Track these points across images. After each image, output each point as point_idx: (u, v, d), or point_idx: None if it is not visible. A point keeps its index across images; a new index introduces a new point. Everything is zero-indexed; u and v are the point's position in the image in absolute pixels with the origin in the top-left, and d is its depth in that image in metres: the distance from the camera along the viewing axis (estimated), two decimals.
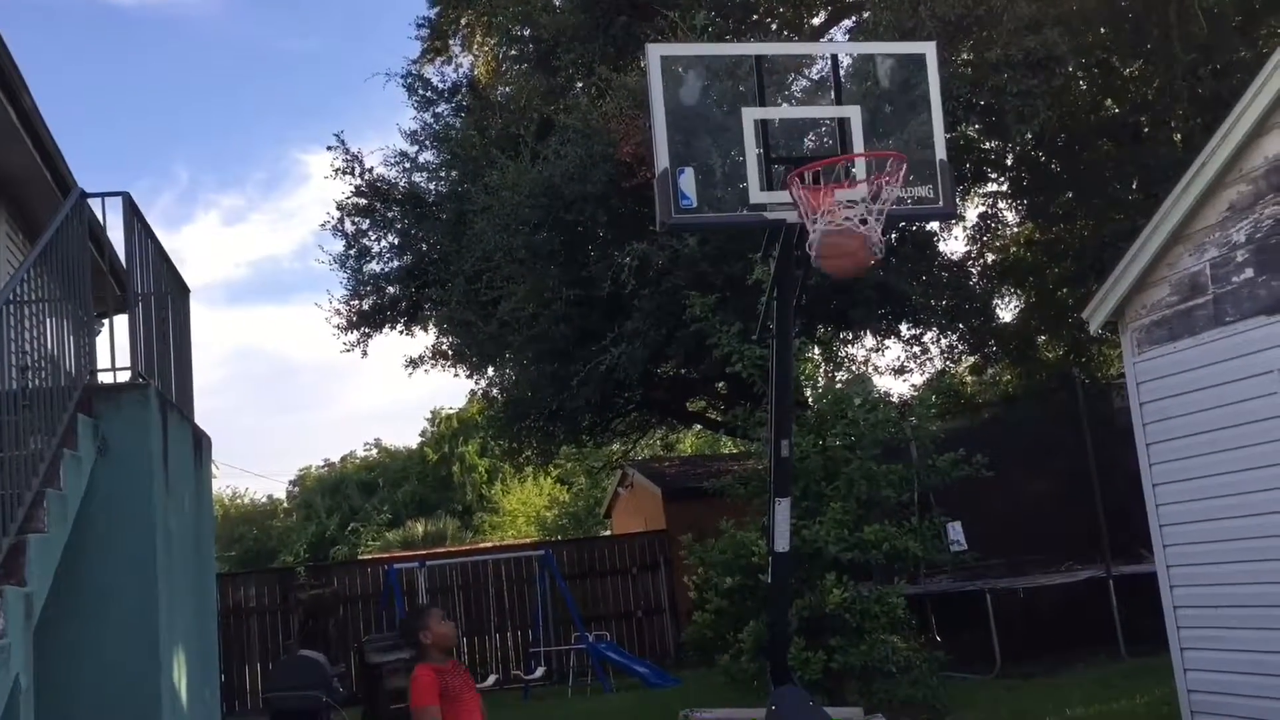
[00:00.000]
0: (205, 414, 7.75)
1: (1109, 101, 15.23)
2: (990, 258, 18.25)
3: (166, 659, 5.20)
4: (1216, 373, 7.06)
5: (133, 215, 5.95)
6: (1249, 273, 6.87)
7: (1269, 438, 6.69)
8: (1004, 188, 17.40)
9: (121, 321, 6.47)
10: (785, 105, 7.23)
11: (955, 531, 12.31)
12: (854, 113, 6.12)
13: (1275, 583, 6.71)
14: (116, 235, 6.32)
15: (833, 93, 6.29)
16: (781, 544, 6.35)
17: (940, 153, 6.19)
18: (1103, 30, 14.15)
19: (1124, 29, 13.85)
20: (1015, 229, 18.35)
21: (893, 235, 13.55)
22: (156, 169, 68.16)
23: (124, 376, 5.74)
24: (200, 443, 6.96)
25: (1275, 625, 6.74)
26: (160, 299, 6.45)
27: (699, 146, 6.15)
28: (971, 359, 19.12)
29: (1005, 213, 17.97)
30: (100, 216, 6.13)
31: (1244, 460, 6.88)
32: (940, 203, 6.26)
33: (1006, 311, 18.82)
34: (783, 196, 5.87)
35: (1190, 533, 7.41)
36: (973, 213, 17.40)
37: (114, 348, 6.02)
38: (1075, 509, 13.04)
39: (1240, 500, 6.94)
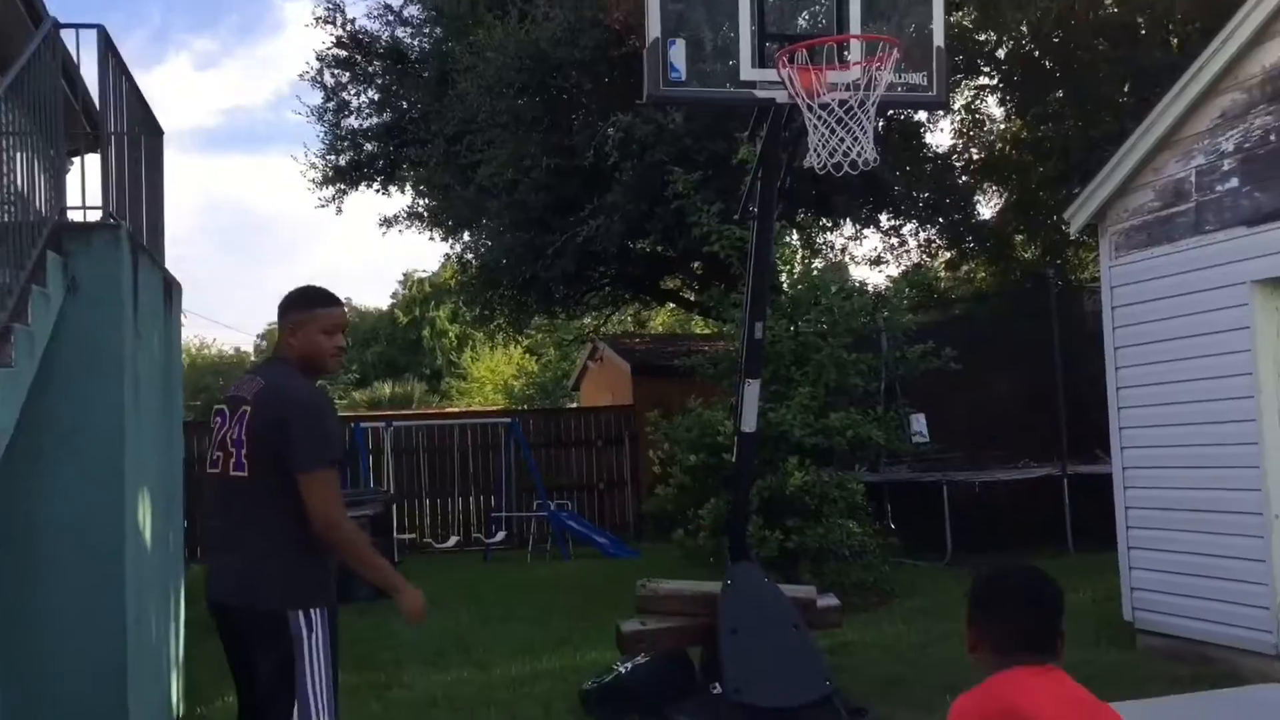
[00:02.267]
0: (175, 262, 7.66)
1: (1108, 0, 14.95)
2: (975, 153, 18.12)
3: (131, 502, 5.23)
4: (1191, 280, 7.10)
5: (107, 50, 5.77)
6: (1234, 182, 6.85)
7: (1236, 348, 6.77)
8: (995, 82, 17.18)
9: (93, 161, 6.34)
10: None
11: (919, 423, 12.49)
12: None
13: (1228, 489, 6.87)
14: (89, 72, 6.16)
15: None
16: (748, 425, 6.40)
17: (938, 39, 6.06)
18: None
19: None
20: (1002, 126, 18.19)
21: (880, 123, 13.39)
22: (127, 7, 66.13)
23: (95, 217, 5.64)
24: (170, 289, 6.89)
25: (1222, 531, 6.92)
26: (133, 139, 6.31)
27: (691, 18, 6.00)
28: (948, 254, 19.15)
29: (993, 108, 17.81)
30: (74, 51, 5.95)
31: (1209, 369, 6.98)
32: (934, 92, 6.15)
33: (987, 209, 18.80)
34: (773, 75, 5.75)
35: (1149, 437, 7.54)
36: (959, 104, 17.20)
37: (85, 187, 5.90)
38: (1037, 408, 13.24)
39: (1201, 408, 7.05)
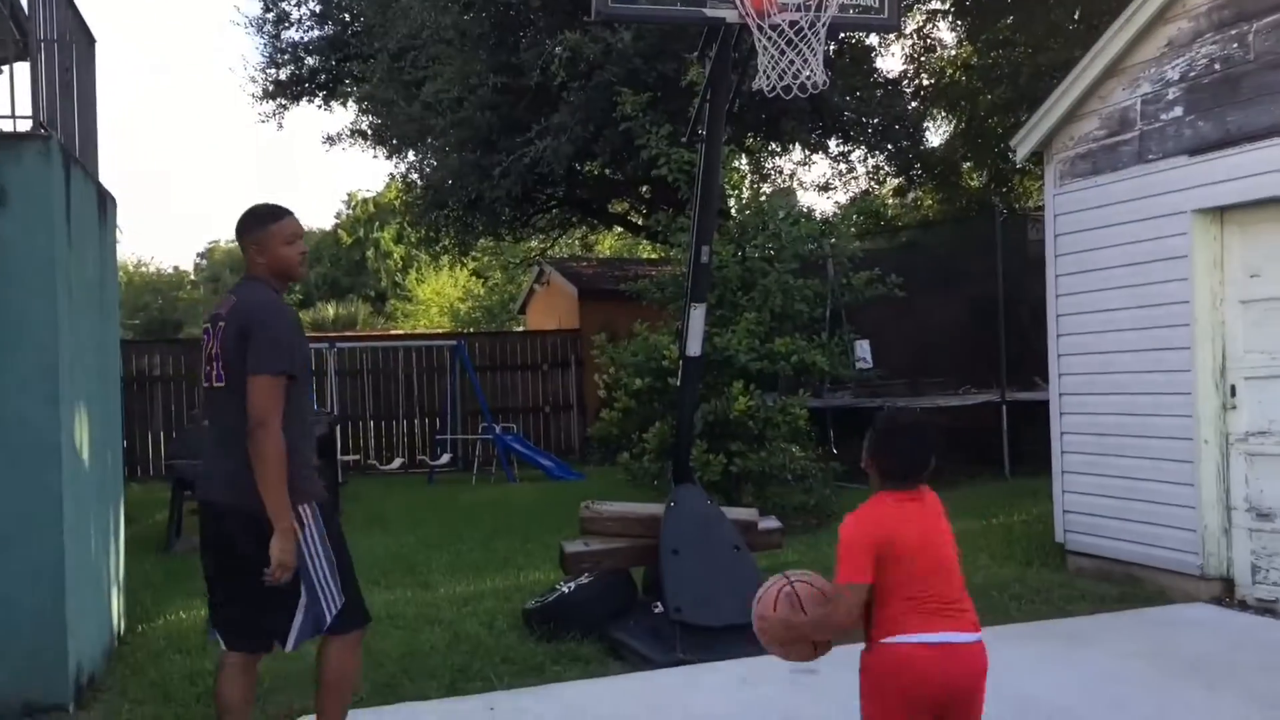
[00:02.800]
0: (110, 176, 7.45)
1: None
2: (925, 79, 18.10)
3: (67, 416, 5.15)
4: (1133, 209, 7.18)
5: None
6: (1178, 111, 6.90)
7: (1174, 276, 6.87)
8: (946, 6, 17.11)
9: (22, 70, 6.12)
10: None
11: (863, 350, 12.61)
12: None
13: (1160, 416, 7.02)
14: None
15: None
16: (693, 349, 6.41)
17: None
18: None
19: None
20: (953, 51, 18.16)
21: (831, 47, 13.29)
22: None
23: (25, 127, 5.46)
24: (105, 202, 6.72)
25: (1153, 456, 7.08)
26: (64, 47, 6.09)
27: None
28: (896, 181, 19.20)
29: (944, 34, 17.77)
30: None
31: (1148, 297, 7.08)
32: (885, 14, 6.10)
33: (935, 136, 18.83)
34: None
35: (1087, 364, 7.66)
36: (911, 28, 17.13)
37: (14, 97, 5.70)
38: (979, 336, 13.41)
39: (1139, 335, 7.17)
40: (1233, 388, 6.67)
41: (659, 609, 5.98)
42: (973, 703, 3.13)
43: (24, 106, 5.53)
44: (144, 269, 42.85)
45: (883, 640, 3.10)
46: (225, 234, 55.45)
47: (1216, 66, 6.65)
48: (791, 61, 5.51)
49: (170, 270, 44.17)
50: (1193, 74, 6.81)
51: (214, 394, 3.87)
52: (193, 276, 43.83)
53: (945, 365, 13.87)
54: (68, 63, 6.19)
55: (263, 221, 3.97)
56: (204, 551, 3.96)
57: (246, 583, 3.73)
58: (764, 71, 5.53)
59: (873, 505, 3.24)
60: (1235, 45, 6.53)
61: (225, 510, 3.82)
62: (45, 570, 5.00)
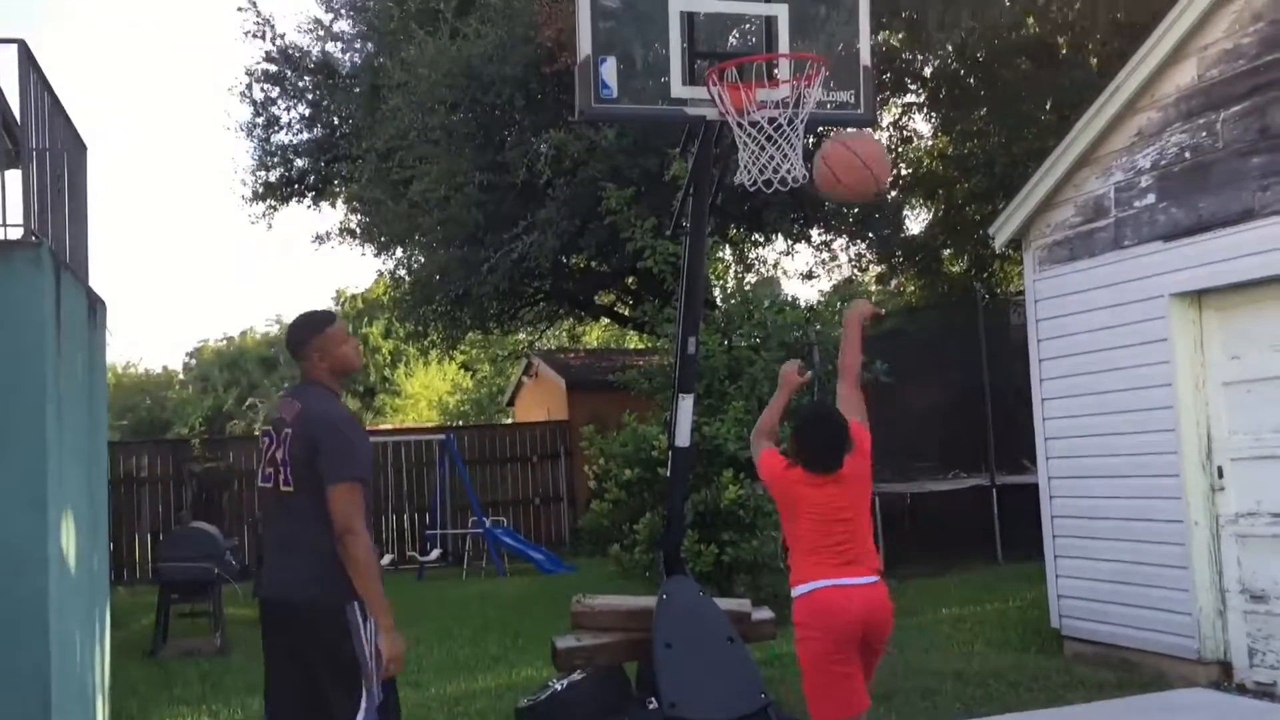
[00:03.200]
0: (100, 279, 7.51)
1: (1030, 20, 15.29)
2: (903, 169, 18.41)
3: (55, 523, 5.12)
4: (1113, 294, 7.28)
5: (28, 65, 5.67)
6: (1150, 198, 7.04)
7: (1156, 359, 6.94)
8: (921, 99, 17.47)
9: (14, 177, 6.20)
10: None
11: None
12: (781, 11, 6.05)
13: (1149, 498, 7.04)
14: (9, 85, 6.03)
15: None
16: (682, 439, 6.43)
17: (865, 58, 6.17)
18: None
19: None
20: (929, 142, 18.50)
21: (810, 140, 13.54)
22: (52, 10, 64.86)
23: (16, 235, 5.53)
24: (95, 306, 6.77)
25: (1145, 539, 7.08)
26: (56, 155, 6.19)
27: (623, 35, 6.04)
28: (878, 268, 19.39)
29: (920, 125, 18.11)
30: None
31: (1130, 380, 7.15)
32: (861, 109, 6.25)
33: (915, 223, 19.08)
34: (704, 92, 5.81)
35: (1074, 447, 7.70)
36: (887, 121, 17.47)
37: (5, 204, 5.78)
38: (966, 420, 13.45)
39: (1124, 418, 7.22)
40: (1220, 469, 6.70)
41: (653, 705, 5.91)
42: (884, 630, 4.12)
43: (16, 214, 5.61)
44: (132, 370, 42.82)
45: (799, 591, 4.10)
46: (214, 333, 55.59)
47: (1187, 155, 6.81)
48: (771, 157, 5.63)
49: (159, 370, 44.15)
50: (1164, 162, 6.97)
51: (282, 497, 4.01)
52: (181, 376, 43.76)
53: (934, 450, 13.88)
54: (59, 170, 6.28)
55: (319, 326, 4.17)
56: (267, 651, 4.08)
57: (308, 681, 3.89)
58: (745, 167, 5.65)
59: (788, 463, 4.27)
60: (1204, 134, 6.70)
61: (292, 608, 3.95)
62: (30, 678, 4.94)
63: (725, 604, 6.64)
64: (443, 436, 16.29)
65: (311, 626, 3.89)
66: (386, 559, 15.62)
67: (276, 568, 4.10)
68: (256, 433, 26.38)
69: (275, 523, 4.12)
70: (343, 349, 4.17)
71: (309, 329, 4.15)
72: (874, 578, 4.12)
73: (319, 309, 4.36)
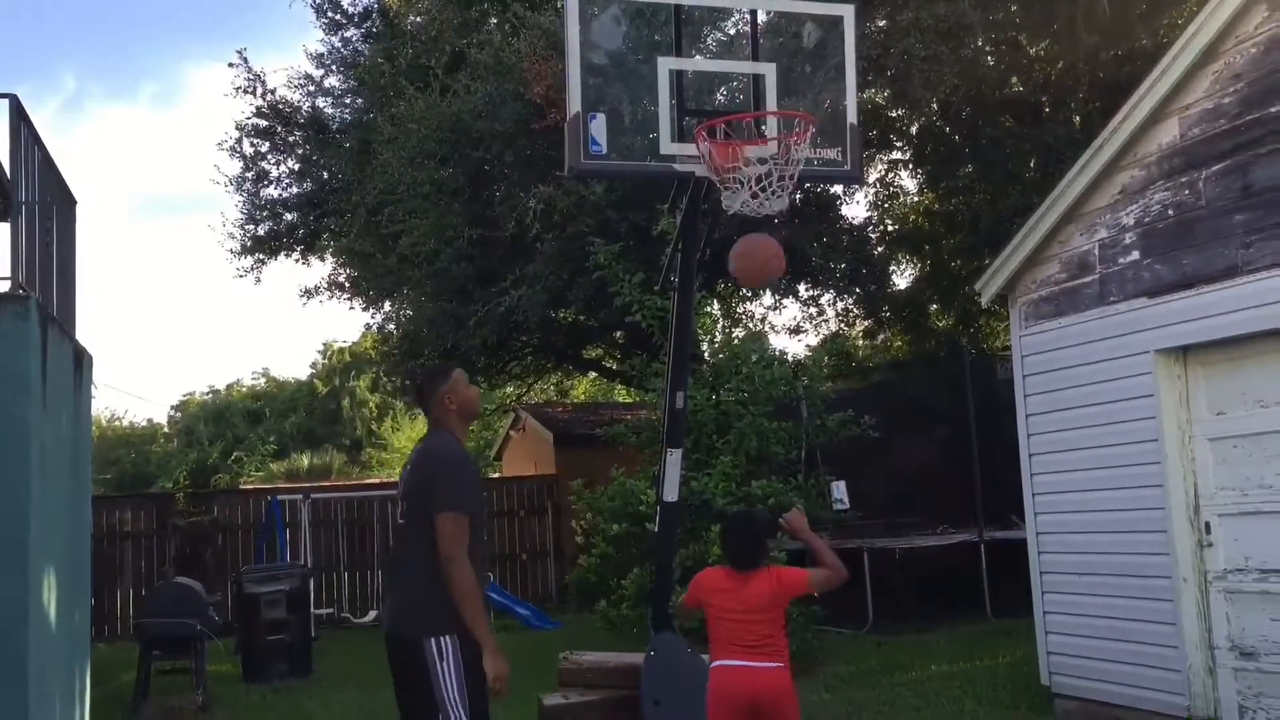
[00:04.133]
0: (86, 330, 7.49)
1: (1014, 79, 15.52)
2: (890, 225, 18.56)
3: (36, 580, 5.07)
4: (1098, 349, 7.32)
5: (19, 120, 5.69)
6: (1135, 255, 7.11)
7: (1142, 415, 6.96)
8: (907, 156, 17.66)
9: (3, 230, 6.21)
10: (700, 57, 7.22)
11: (839, 490, 12.59)
12: (769, 69, 6.14)
13: (1138, 554, 7.03)
14: (0, 139, 6.05)
15: (749, 48, 6.29)
16: (670, 494, 6.42)
17: (852, 116, 6.25)
18: (1014, 7, 14.40)
19: (1034, 7, 14.11)
20: (915, 198, 18.67)
21: (798, 196, 13.67)
22: (40, 75, 65.25)
23: (3, 288, 5.52)
24: (81, 360, 6.74)
25: (1134, 595, 7.06)
26: (45, 209, 6.21)
27: (612, 93, 6.11)
28: (865, 323, 19.48)
29: (906, 181, 18.28)
30: None
31: (1117, 436, 7.16)
32: (848, 166, 6.33)
33: (902, 279, 19.20)
34: (693, 149, 5.88)
35: (1061, 502, 7.69)
36: (874, 177, 17.64)
37: None
38: (953, 475, 13.44)
39: (1111, 474, 7.22)
40: (1207, 524, 6.70)
41: None
42: (780, 713, 4.66)
43: (4, 266, 5.61)
44: (117, 423, 42.57)
45: (711, 665, 4.83)
46: (200, 386, 55.35)
47: (1170, 212, 6.88)
48: (763, 203, 5.69)
49: (144, 423, 43.88)
50: (1147, 219, 7.04)
51: (398, 531, 4.49)
52: (166, 429, 43.49)
53: (922, 505, 13.86)
54: (48, 224, 6.29)
55: (446, 375, 4.58)
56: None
57: (406, 712, 4.28)
58: (728, 198, 5.70)
59: (709, 572, 5.07)
60: (1187, 192, 6.77)
61: (390, 639, 4.29)
62: None
63: None
64: None
65: (399, 657, 4.22)
66: (372, 614, 15.45)
67: (386, 600, 4.47)
68: (242, 487, 26.02)
69: (392, 556, 4.50)
70: (469, 392, 4.55)
71: (439, 379, 4.55)
72: (773, 663, 4.71)
73: (439, 363, 4.98)
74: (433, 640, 4.09)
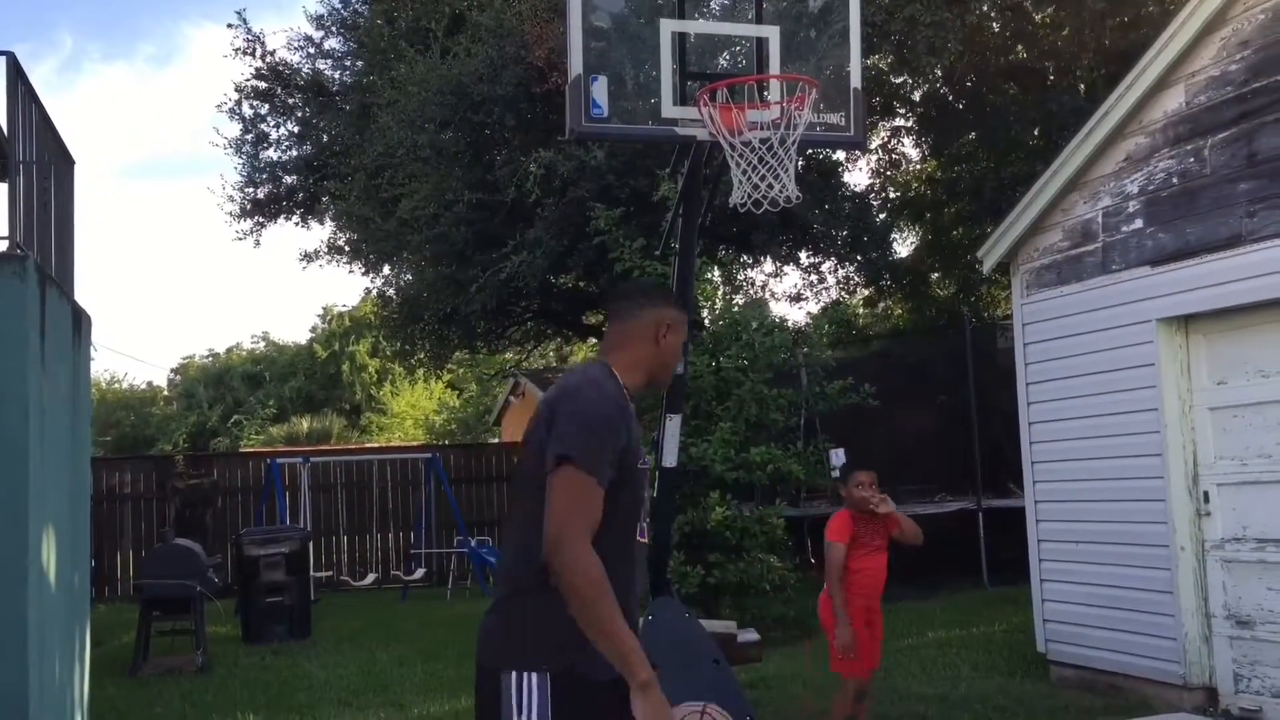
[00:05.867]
0: (85, 293, 7.46)
1: (1019, 46, 15.40)
2: (892, 193, 18.48)
3: (35, 540, 5.07)
4: (1099, 318, 7.30)
5: (16, 77, 5.64)
6: (1138, 223, 7.07)
7: (1142, 384, 6.96)
8: (910, 123, 17.56)
9: (0, 190, 6.17)
10: (703, 20, 7.14)
11: (838, 458, 12.57)
12: (773, 33, 6.07)
13: (1135, 522, 7.04)
14: None
15: (753, 11, 6.23)
16: (669, 460, 6.41)
17: (855, 80, 6.18)
18: None
19: None
20: (918, 166, 18.58)
21: (800, 162, 13.58)
22: (39, 34, 64.82)
23: (1, 247, 5.49)
24: (80, 321, 6.72)
25: (1131, 563, 7.08)
26: (43, 168, 6.17)
27: (614, 55, 6.05)
28: (866, 291, 19.44)
29: (909, 149, 18.19)
30: None
31: (1117, 404, 7.16)
32: (851, 132, 6.26)
33: (903, 247, 19.14)
34: (694, 113, 5.82)
35: (1060, 471, 7.70)
36: (876, 144, 17.55)
37: None
38: (953, 443, 13.46)
39: (1110, 442, 7.22)
40: (1205, 494, 6.71)
41: None
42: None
43: (1, 226, 5.58)
44: (117, 385, 42.59)
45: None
46: (199, 349, 55.37)
47: (1174, 180, 6.84)
48: (763, 177, 5.63)
49: (144, 386, 43.91)
50: (1151, 187, 7.00)
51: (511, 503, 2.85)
52: (166, 392, 43.51)
53: (920, 473, 13.88)
54: (46, 183, 6.25)
55: (668, 302, 3.06)
56: None
57: None
58: (738, 183, 5.65)
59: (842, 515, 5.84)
60: (1192, 160, 6.73)
61: (478, 671, 2.71)
62: (9, 696, 4.87)
63: (711, 626, 6.61)
64: (428, 455, 16.23)
65: (477, 687, 2.70)
66: (370, 578, 15.54)
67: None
68: (241, 450, 26.11)
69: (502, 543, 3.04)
70: (678, 342, 3.01)
71: (660, 298, 3.04)
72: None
73: None
74: (515, 675, 2.56)
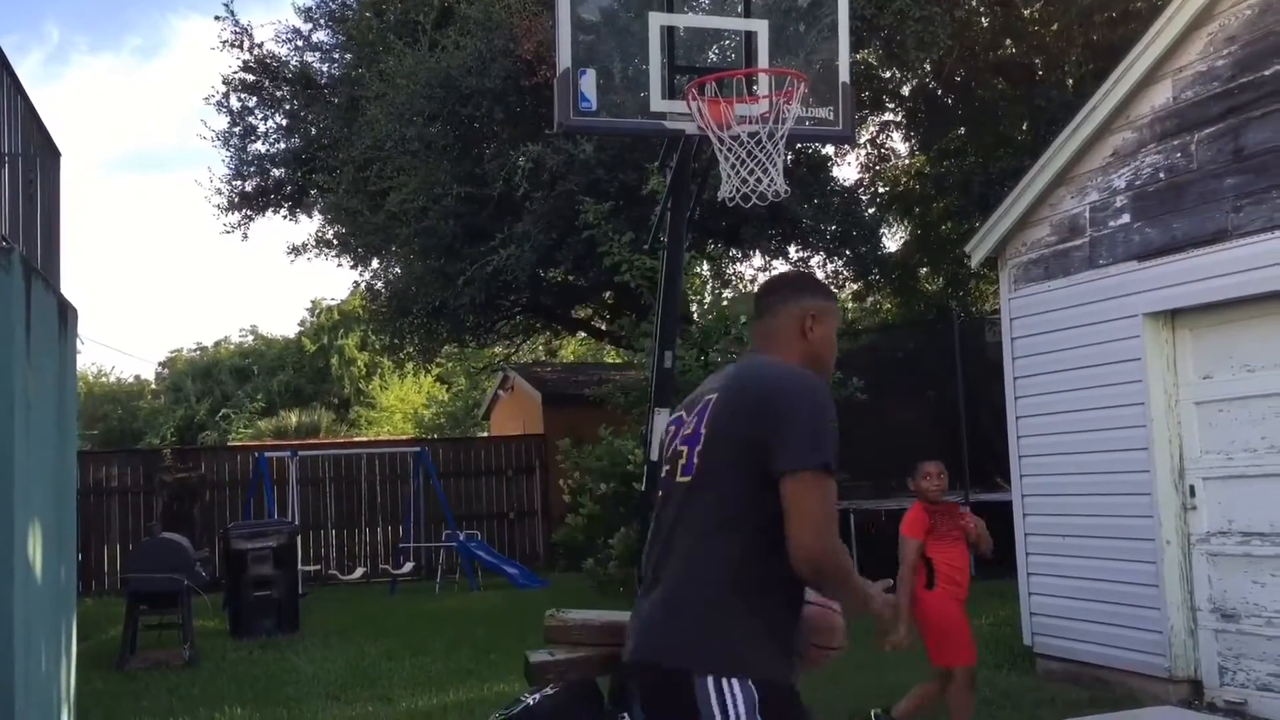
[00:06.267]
0: (72, 286, 7.43)
1: (1007, 41, 15.43)
2: (880, 187, 18.51)
3: (21, 535, 5.05)
4: (1087, 313, 7.32)
5: (2, 69, 5.62)
6: (1125, 218, 7.09)
7: (1129, 378, 6.98)
8: (899, 118, 17.59)
9: None
10: (692, 14, 7.14)
11: None
12: (761, 27, 6.08)
13: (1121, 516, 7.07)
14: None
15: (741, 4, 6.23)
16: (658, 454, 6.42)
17: (844, 75, 6.19)
18: None
19: None
20: (906, 160, 18.61)
21: (788, 157, 13.60)
22: (25, 26, 64.47)
23: None
24: (66, 314, 6.69)
25: (1117, 557, 7.11)
26: (29, 160, 6.14)
27: (602, 49, 6.05)
28: (855, 286, 19.47)
29: (897, 144, 18.22)
30: None
31: (1104, 398, 7.18)
32: (840, 126, 6.28)
33: (892, 241, 19.17)
34: (683, 107, 5.83)
35: (1047, 464, 7.73)
36: (865, 139, 17.57)
37: None
38: (941, 437, 13.48)
39: (1097, 436, 7.25)
40: (1191, 488, 6.73)
41: (626, 719, 5.87)
42: None
43: None
44: (104, 379, 42.43)
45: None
46: (187, 343, 55.16)
47: (1161, 175, 6.86)
48: (751, 171, 5.64)
49: (131, 380, 43.75)
50: (1139, 182, 7.02)
51: (674, 493, 2.68)
52: (153, 386, 43.36)
53: (907, 465, 13.86)
54: (31, 175, 6.23)
55: (830, 295, 2.91)
56: None
57: None
58: (726, 176, 5.66)
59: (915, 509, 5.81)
60: (1179, 155, 6.75)
61: (638, 672, 2.66)
62: None
63: None
64: (417, 449, 16.22)
65: (652, 705, 2.60)
66: (359, 572, 15.52)
67: (634, 615, 2.79)
68: (229, 444, 25.96)
69: (659, 535, 2.73)
70: (829, 332, 2.83)
71: (811, 289, 2.86)
72: None
73: None
74: (711, 681, 2.42)
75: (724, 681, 2.42)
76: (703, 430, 2.60)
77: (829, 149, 15.93)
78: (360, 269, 18.88)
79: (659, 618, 2.59)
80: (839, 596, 2.59)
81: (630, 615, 2.85)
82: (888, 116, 17.61)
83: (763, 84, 5.99)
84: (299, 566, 11.91)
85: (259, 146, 18.86)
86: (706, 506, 2.55)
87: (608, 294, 17.20)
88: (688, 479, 2.59)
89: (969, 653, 5.88)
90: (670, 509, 2.66)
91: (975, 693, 6.01)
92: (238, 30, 18.10)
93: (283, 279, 79.67)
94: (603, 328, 19.39)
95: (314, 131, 18.12)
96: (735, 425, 2.54)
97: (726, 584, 2.49)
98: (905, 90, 16.73)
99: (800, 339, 2.78)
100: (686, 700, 2.43)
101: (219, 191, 18.93)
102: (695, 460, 2.59)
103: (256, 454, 15.31)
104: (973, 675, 5.92)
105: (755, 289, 3.19)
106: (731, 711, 2.41)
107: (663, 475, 2.77)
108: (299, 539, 12.25)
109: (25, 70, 70.56)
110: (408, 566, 15.02)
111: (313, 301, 42.05)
